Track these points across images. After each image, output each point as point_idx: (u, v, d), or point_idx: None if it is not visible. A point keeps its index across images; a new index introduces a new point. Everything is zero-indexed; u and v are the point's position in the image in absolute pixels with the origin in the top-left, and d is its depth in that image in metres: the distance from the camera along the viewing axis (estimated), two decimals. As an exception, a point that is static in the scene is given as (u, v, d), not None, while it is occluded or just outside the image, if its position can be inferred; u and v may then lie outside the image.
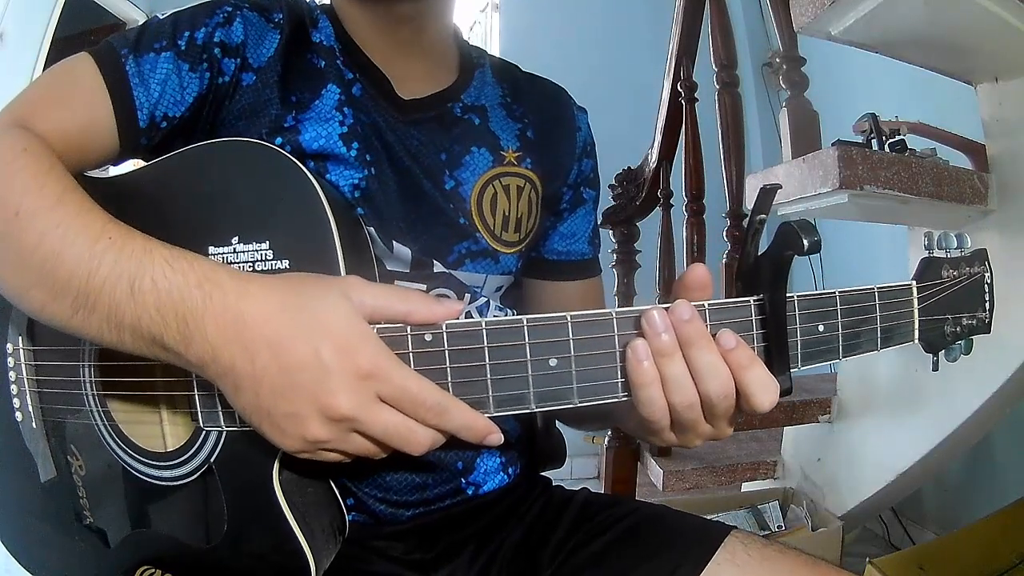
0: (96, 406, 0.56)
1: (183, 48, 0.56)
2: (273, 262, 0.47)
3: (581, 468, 2.78)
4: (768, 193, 0.45)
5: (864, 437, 1.55)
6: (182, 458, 0.52)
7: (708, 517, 1.71)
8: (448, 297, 0.61)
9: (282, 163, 0.48)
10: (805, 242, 0.42)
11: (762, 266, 0.45)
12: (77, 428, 0.57)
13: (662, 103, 1.88)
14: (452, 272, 0.63)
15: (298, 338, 0.40)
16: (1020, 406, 1.31)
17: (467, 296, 0.64)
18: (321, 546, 0.50)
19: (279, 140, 0.57)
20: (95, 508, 0.58)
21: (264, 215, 0.48)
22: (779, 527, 1.63)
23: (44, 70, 2.55)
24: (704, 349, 0.43)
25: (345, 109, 0.60)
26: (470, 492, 0.66)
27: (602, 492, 1.72)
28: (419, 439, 0.43)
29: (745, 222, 1.63)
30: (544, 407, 0.44)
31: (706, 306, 0.44)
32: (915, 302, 0.50)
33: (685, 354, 0.43)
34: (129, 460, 0.55)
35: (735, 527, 0.61)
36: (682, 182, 1.75)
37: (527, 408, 0.44)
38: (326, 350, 0.40)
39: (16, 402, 0.60)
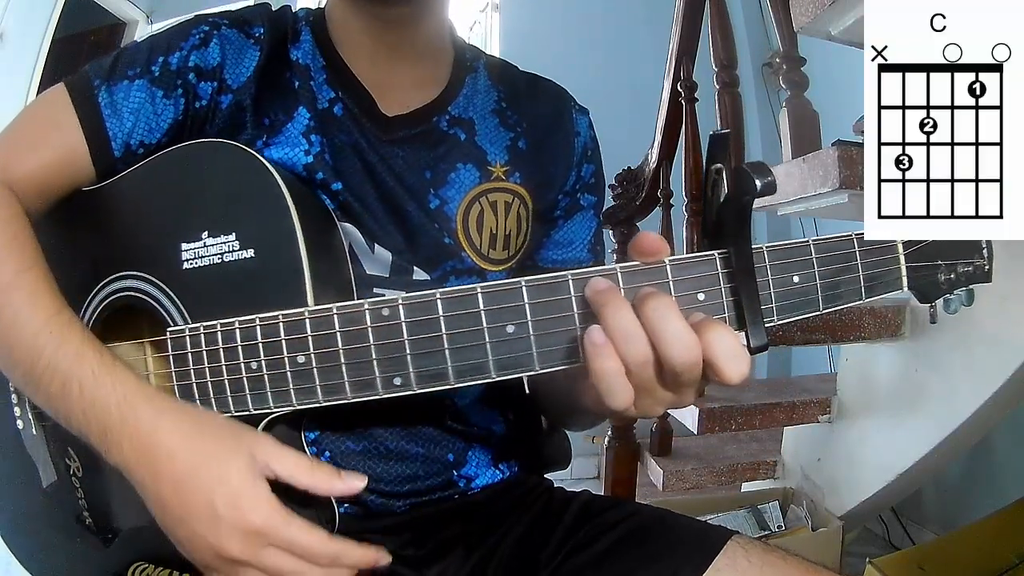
0: None
1: (157, 74, 0.56)
2: (240, 252, 0.49)
3: (581, 468, 2.78)
4: (719, 140, 0.43)
5: (864, 437, 1.55)
6: None
7: (708, 517, 1.72)
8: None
9: (244, 157, 0.50)
10: (758, 183, 0.40)
11: (723, 217, 0.43)
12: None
13: (662, 103, 1.88)
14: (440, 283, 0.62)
15: (197, 484, 0.44)
16: (1020, 406, 1.31)
17: None
18: None
19: None
20: (93, 508, 0.58)
21: (230, 208, 0.50)
22: (779, 527, 1.63)
23: (44, 70, 2.55)
24: (669, 316, 0.40)
25: (312, 137, 0.59)
26: (462, 485, 0.66)
27: (603, 493, 1.73)
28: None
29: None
30: (505, 375, 0.44)
31: (667, 262, 0.43)
32: (900, 247, 0.47)
33: (647, 318, 0.40)
34: None
35: (736, 532, 0.60)
36: (682, 182, 1.75)
37: (488, 377, 0.44)
38: (220, 502, 0.43)
39: (17, 411, 0.60)
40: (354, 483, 0.47)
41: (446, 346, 0.43)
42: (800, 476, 1.72)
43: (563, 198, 0.70)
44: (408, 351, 0.44)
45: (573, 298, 0.42)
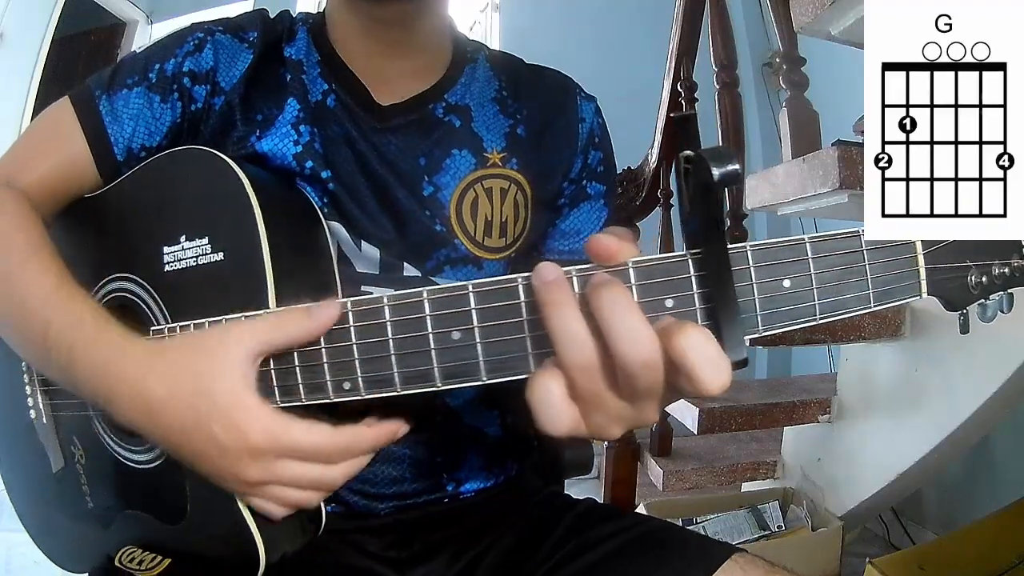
0: None
1: (154, 81, 0.59)
2: (212, 255, 0.51)
3: (581, 468, 2.78)
4: (682, 123, 0.37)
5: (864, 437, 1.55)
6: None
7: (708, 517, 1.71)
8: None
9: (217, 163, 0.52)
10: (715, 171, 0.34)
11: (695, 212, 0.37)
12: (78, 420, 0.60)
13: (662, 103, 1.88)
14: (431, 278, 0.62)
15: (196, 423, 0.44)
16: (1020, 406, 1.31)
17: None
18: (278, 533, 0.50)
19: (241, 156, 0.59)
20: (94, 494, 0.61)
21: (204, 213, 0.53)
22: (779, 527, 1.63)
23: (44, 70, 2.56)
24: (623, 309, 0.35)
25: (302, 127, 0.60)
26: (450, 489, 0.65)
27: (602, 493, 1.73)
28: (333, 477, 0.46)
29: (745, 222, 1.64)
30: (451, 384, 0.42)
31: (630, 264, 0.38)
32: (918, 247, 0.39)
33: (597, 309, 0.35)
34: (114, 446, 0.57)
35: (742, 550, 0.57)
36: (682, 182, 1.75)
37: (434, 386, 0.42)
38: (219, 432, 0.43)
39: (30, 400, 0.64)
40: (323, 315, 0.44)
41: (392, 352, 0.42)
42: (800, 476, 1.72)
43: (568, 186, 0.68)
44: (356, 355, 0.43)
45: (523, 304, 0.39)
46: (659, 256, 0.38)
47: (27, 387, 0.64)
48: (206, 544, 0.52)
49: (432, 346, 0.41)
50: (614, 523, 0.62)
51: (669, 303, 0.38)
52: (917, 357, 1.39)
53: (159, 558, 0.55)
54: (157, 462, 0.54)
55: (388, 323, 0.42)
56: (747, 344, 0.37)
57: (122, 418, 0.47)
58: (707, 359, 0.34)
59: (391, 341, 0.42)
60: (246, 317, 0.47)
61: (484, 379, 0.41)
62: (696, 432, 1.57)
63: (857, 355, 1.58)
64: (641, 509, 1.69)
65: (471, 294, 0.40)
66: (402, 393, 0.43)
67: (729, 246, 0.37)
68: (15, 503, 0.70)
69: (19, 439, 0.66)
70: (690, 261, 0.38)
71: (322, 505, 0.54)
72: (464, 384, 0.41)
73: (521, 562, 0.62)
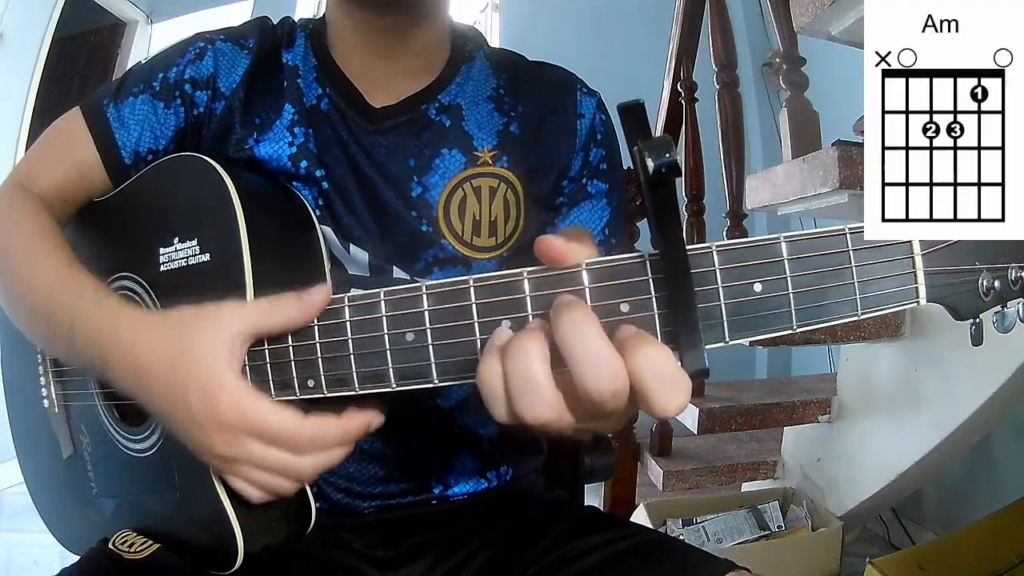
0: (95, 387, 0.62)
1: (157, 89, 0.62)
2: (200, 256, 0.54)
3: (581, 468, 2.78)
4: (628, 113, 0.34)
5: (864, 437, 1.55)
6: (147, 431, 0.57)
7: (708, 517, 1.71)
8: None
9: (206, 168, 0.55)
10: (650, 163, 0.32)
11: (648, 209, 0.35)
12: (85, 409, 0.63)
13: (662, 103, 1.88)
14: (419, 280, 0.61)
15: (176, 390, 0.45)
16: (1020, 406, 1.32)
17: None
18: (258, 525, 0.51)
19: (240, 158, 0.61)
20: (98, 480, 0.64)
21: (193, 216, 0.55)
22: (779, 527, 1.63)
23: (44, 70, 2.56)
24: (587, 328, 0.33)
25: (296, 129, 0.62)
26: (437, 491, 0.65)
27: (602, 493, 1.73)
28: (300, 465, 0.46)
29: (745, 222, 1.64)
30: (405, 386, 0.42)
31: (583, 266, 0.36)
32: (916, 247, 0.35)
33: (560, 336, 0.33)
34: (116, 435, 0.60)
35: (743, 568, 0.55)
36: (682, 182, 1.75)
37: (388, 386, 0.42)
38: (193, 398, 0.44)
39: (44, 391, 0.67)
40: (317, 297, 0.44)
41: (351, 351, 0.43)
42: (800, 476, 1.72)
43: (568, 184, 0.66)
44: (319, 354, 0.44)
45: (474, 305, 0.39)
46: (615, 257, 0.36)
47: (41, 377, 0.67)
48: (191, 531, 0.54)
49: (388, 347, 0.42)
50: (611, 531, 0.61)
51: (625, 307, 0.36)
52: (917, 357, 1.39)
53: (149, 542, 0.57)
54: (153, 450, 0.56)
55: (348, 323, 0.43)
56: (706, 353, 0.35)
57: (116, 383, 0.48)
58: (662, 381, 0.32)
59: (350, 341, 0.43)
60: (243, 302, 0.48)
61: (436, 381, 0.41)
62: (696, 432, 1.58)
63: (857, 355, 1.58)
64: (641, 509, 1.69)
65: (424, 295, 0.40)
66: (360, 393, 0.43)
67: (691, 246, 0.35)
68: (30, 487, 0.74)
69: (35, 426, 0.69)
70: (648, 262, 0.36)
71: (311, 501, 0.54)
72: (417, 386, 0.42)
73: (511, 565, 0.61)
